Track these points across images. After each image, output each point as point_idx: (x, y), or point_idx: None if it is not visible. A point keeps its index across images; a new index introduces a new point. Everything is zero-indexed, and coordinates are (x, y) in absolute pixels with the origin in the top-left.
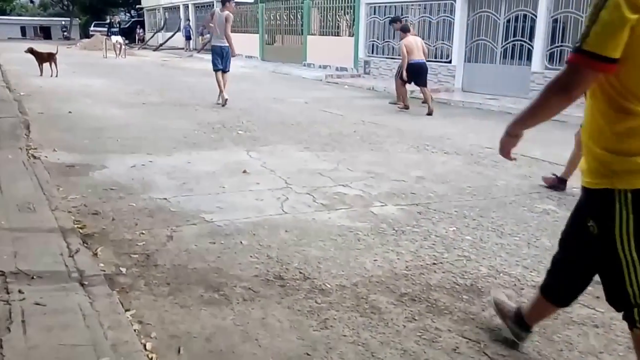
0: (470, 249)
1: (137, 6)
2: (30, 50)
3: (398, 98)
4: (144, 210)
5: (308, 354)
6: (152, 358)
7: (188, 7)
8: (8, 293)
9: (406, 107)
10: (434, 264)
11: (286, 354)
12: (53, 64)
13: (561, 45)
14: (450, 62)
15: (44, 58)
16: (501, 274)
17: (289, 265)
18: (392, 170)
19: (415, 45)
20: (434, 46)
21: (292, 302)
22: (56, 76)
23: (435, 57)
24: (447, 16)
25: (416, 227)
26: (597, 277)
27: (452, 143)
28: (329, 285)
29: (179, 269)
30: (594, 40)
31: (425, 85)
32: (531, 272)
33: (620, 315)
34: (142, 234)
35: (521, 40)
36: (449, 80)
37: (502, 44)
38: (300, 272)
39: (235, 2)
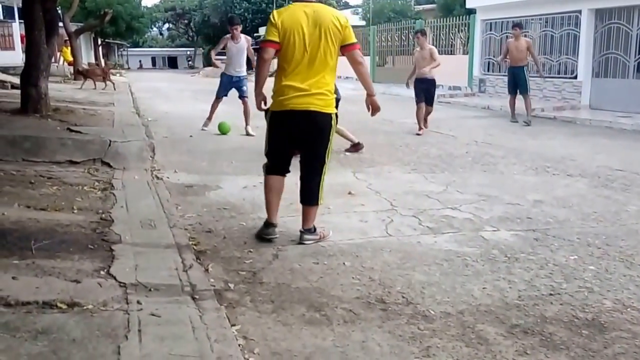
0: (593, 280)
1: (255, 34)
2: (80, 71)
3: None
4: (252, 229)
5: None
6: None
7: None
8: (127, 303)
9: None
10: (551, 294)
11: None
12: (107, 79)
13: None
14: (575, 77)
15: (96, 74)
16: (629, 309)
17: (391, 288)
18: (506, 193)
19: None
20: (556, 61)
21: (393, 327)
22: (114, 89)
23: (559, 73)
24: (572, 29)
25: (532, 255)
26: None
27: (577, 164)
28: (432, 312)
29: (282, 287)
30: None
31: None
32: None
33: None
34: (250, 252)
35: None
36: (575, 97)
37: (635, 57)
38: (403, 297)
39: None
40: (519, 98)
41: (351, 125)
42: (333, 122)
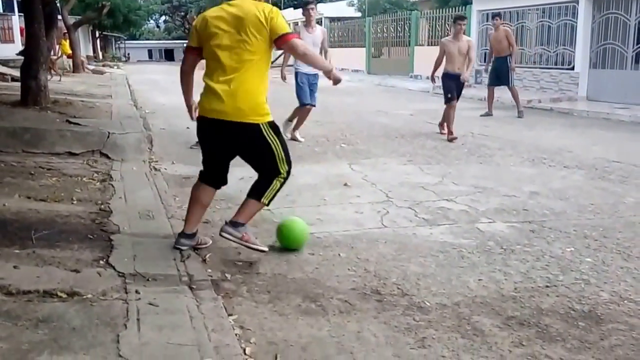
0: (589, 272)
1: None
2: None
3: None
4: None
5: None
6: None
7: (297, 24)
8: (126, 293)
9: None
10: (547, 286)
11: None
12: (53, 69)
13: None
14: (572, 68)
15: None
16: (625, 301)
17: (386, 280)
18: (502, 185)
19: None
20: (553, 52)
21: (388, 318)
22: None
23: (556, 64)
24: (569, 20)
25: (528, 247)
26: None
27: (574, 156)
28: (428, 303)
29: (279, 277)
30: None
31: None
32: None
33: None
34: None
35: None
36: (572, 88)
37: (633, 47)
38: (399, 288)
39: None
40: (503, 89)
41: (346, 117)
42: (265, 132)
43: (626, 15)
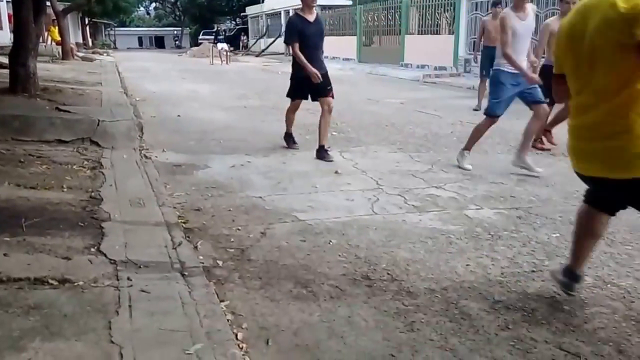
0: None
1: (242, 14)
2: None
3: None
4: (240, 207)
5: (393, 355)
6: (242, 348)
7: (289, 12)
8: (118, 280)
9: None
10: (533, 271)
11: (370, 354)
12: None
13: None
14: None
15: None
16: (608, 285)
17: (376, 265)
18: (490, 172)
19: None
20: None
21: (378, 303)
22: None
23: (544, 54)
24: (557, 9)
25: (514, 233)
26: None
27: (560, 144)
28: (417, 288)
29: (270, 264)
30: None
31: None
32: None
33: None
34: (238, 229)
35: None
36: None
37: None
38: (388, 273)
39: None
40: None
41: (337, 105)
42: None
43: None
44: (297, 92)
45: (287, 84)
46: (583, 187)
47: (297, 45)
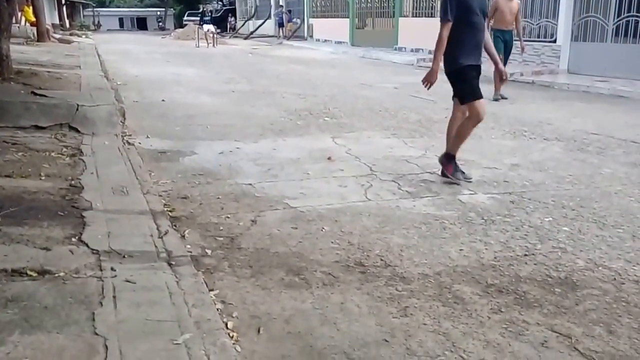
0: (566, 241)
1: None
2: None
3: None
4: (229, 195)
5: (386, 340)
6: (233, 336)
7: None
8: (101, 270)
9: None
10: (526, 255)
11: (364, 339)
12: None
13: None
14: (554, 41)
15: None
16: (600, 267)
17: (370, 252)
18: (483, 157)
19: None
20: (536, 24)
21: (372, 289)
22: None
23: (538, 36)
24: None
25: (508, 217)
26: None
27: (553, 129)
28: (410, 274)
29: (261, 252)
30: None
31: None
32: (634, 266)
33: None
34: (228, 217)
35: (636, 16)
36: (553, 61)
37: (614, 20)
38: (382, 260)
39: None
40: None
41: (330, 90)
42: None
43: None
44: (478, 86)
45: (279, 68)
46: (576, 171)
47: (449, 26)
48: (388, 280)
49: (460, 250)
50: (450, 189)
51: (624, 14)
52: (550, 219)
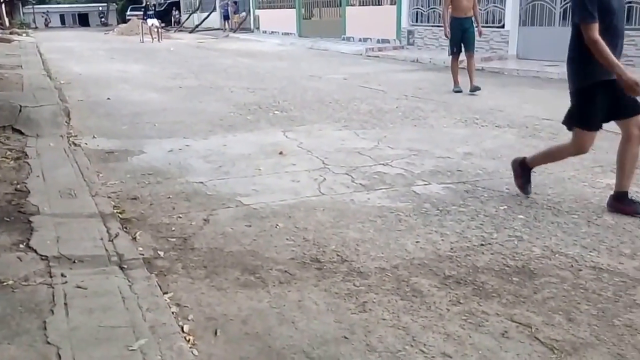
0: (522, 229)
1: None
2: None
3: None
4: (181, 194)
5: (346, 337)
6: (189, 340)
7: None
8: (51, 277)
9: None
10: (482, 245)
11: (323, 337)
12: None
13: (630, 2)
14: (503, 26)
15: None
16: (556, 255)
17: (326, 247)
18: (436, 147)
19: None
20: (484, 10)
21: (329, 285)
22: None
23: (487, 22)
24: None
25: (462, 207)
26: None
27: (505, 115)
28: (367, 268)
29: (215, 252)
30: None
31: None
32: (590, 252)
33: None
34: (180, 217)
35: None
36: (502, 46)
37: (561, 3)
38: (338, 255)
39: None
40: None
41: (279, 83)
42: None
43: None
44: (598, 116)
45: (226, 62)
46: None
47: (596, 27)
48: (345, 275)
49: (417, 242)
50: (404, 180)
51: None
52: (505, 207)
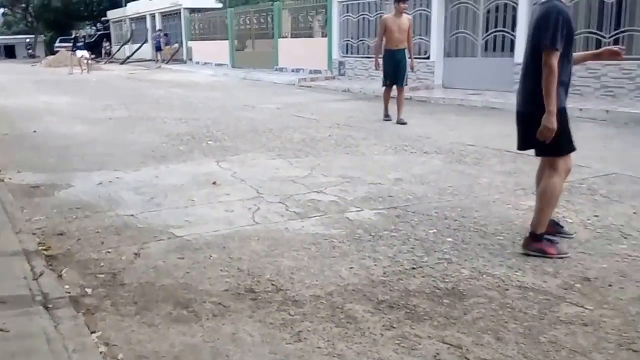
0: (451, 251)
1: (103, 19)
2: None
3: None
4: (110, 228)
5: None
6: None
7: (155, 16)
8: None
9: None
10: (413, 268)
11: None
12: None
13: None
14: (428, 57)
15: None
16: (484, 275)
17: (260, 277)
18: (368, 174)
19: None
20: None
21: (264, 316)
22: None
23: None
24: (424, 10)
25: (394, 232)
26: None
27: (432, 142)
28: (302, 296)
29: (146, 286)
30: None
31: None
32: (516, 271)
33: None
34: (109, 252)
35: (503, 31)
36: (428, 76)
37: (482, 36)
38: (273, 284)
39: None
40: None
41: (212, 113)
42: None
43: (475, 5)
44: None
45: (158, 92)
46: (456, 182)
47: (558, 56)
48: (280, 305)
49: (351, 268)
50: (337, 207)
51: (491, 29)
52: (435, 230)
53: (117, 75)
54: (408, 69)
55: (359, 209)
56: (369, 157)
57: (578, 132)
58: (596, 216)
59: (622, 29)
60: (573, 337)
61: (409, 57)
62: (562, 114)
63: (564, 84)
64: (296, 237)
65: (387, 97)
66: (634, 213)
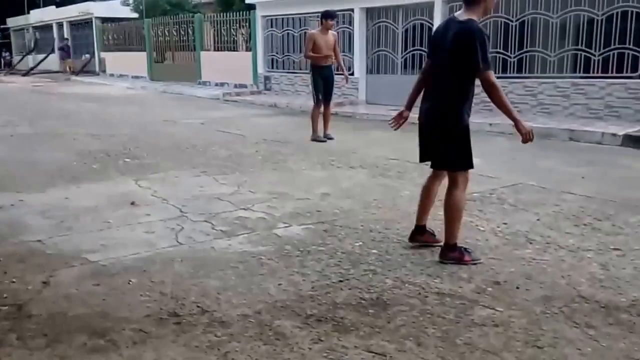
0: (376, 263)
1: (2, 26)
2: None
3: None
4: (13, 255)
5: None
6: None
7: (63, 25)
8: None
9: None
10: (341, 281)
11: None
12: None
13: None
14: (352, 74)
15: None
16: (406, 284)
17: (184, 300)
18: (296, 189)
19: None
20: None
21: (189, 339)
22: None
23: (337, 70)
24: (347, 27)
25: (322, 246)
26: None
27: (358, 157)
28: (230, 316)
29: (57, 317)
30: None
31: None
32: (435, 279)
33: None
34: (13, 282)
35: (420, 50)
36: (353, 92)
37: (402, 54)
38: (198, 306)
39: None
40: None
41: (129, 128)
42: None
43: (394, 24)
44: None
45: (68, 107)
46: (380, 196)
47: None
48: (206, 327)
49: (279, 284)
50: (265, 223)
51: (409, 48)
52: (361, 243)
53: (20, 88)
54: (343, 82)
55: (287, 225)
56: (296, 172)
57: (489, 146)
58: (505, 224)
59: (525, 50)
60: (486, 338)
61: (342, 73)
62: (465, 131)
63: (469, 103)
64: (223, 256)
65: (316, 116)
66: (538, 220)
